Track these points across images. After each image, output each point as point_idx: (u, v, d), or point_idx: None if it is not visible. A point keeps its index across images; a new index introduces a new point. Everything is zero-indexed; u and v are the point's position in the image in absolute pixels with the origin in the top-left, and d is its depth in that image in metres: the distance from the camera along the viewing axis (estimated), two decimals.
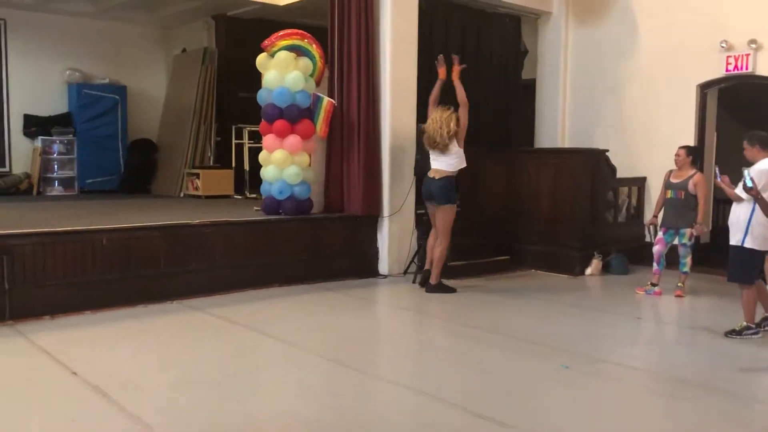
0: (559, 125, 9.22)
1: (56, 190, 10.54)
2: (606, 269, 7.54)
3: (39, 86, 10.59)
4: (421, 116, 7.45)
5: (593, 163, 7.73)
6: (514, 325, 5.31)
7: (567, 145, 9.12)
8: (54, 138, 10.54)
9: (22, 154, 10.54)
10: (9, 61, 10.38)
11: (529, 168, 7.94)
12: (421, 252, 7.00)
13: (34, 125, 10.54)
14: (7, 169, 10.43)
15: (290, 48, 6.86)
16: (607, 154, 7.94)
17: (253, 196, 9.09)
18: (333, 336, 4.99)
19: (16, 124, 10.49)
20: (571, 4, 9.12)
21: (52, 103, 10.72)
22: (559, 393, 3.83)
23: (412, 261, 7.15)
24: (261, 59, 6.94)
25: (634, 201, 8.32)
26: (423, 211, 7.11)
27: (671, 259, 6.51)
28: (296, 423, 3.37)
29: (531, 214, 7.86)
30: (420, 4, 7.46)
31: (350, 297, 6.26)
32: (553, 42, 9.23)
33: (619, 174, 8.12)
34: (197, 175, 9.81)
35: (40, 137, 10.46)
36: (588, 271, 7.46)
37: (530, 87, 9.49)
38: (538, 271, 7.65)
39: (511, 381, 4.01)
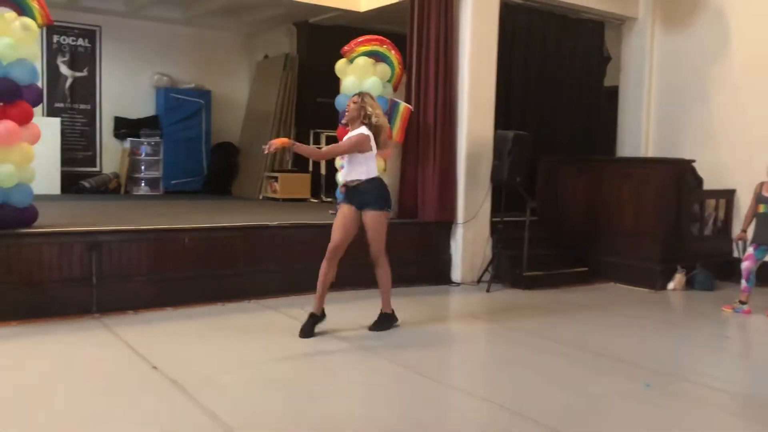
0: (642, 134, 8.93)
1: (143, 189, 10.97)
2: (690, 284, 7.23)
3: (129, 90, 11.07)
4: (499, 123, 7.38)
5: (678, 174, 7.44)
6: (593, 339, 5.16)
7: (651, 154, 8.82)
8: (142, 140, 10.98)
9: (112, 154, 11.04)
10: (102, 66, 10.89)
11: (610, 177, 7.71)
12: (494, 261, 6.92)
13: (124, 127, 11.01)
14: (97, 168, 10.94)
15: (369, 54, 6.92)
16: (693, 164, 7.63)
17: (329, 199, 9.20)
18: (406, 342, 4.97)
19: (107, 126, 11.00)
20: (657, 9, 8.83)
21: (141, 106, 11.18)
22: (640, 412, 3.68)
23: (486, 270, 7.06)
24: (340, 65, 7.02)
25: (721, 214, 7.96)
26: (498, 219, 7.02)
27: (761, 276, 6.18)
28: (369, 427, 3.37)
29: (611, 225, 7.63)
30: (500, 11, 7.39)
31: (422, 304, 6.23)
32: (637, 48, 8.95)
33: (706, 186, 7.79)
34: (276, 179, 10.01)
35: (129, 139, 10.93)
36: (670, 285, 7.18)
37: (613, 94, 9.24)
38: (617, 284, 7.41)
39: (589, 397, 3.88)
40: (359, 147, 4.80)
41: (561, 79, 8.69)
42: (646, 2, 8.84)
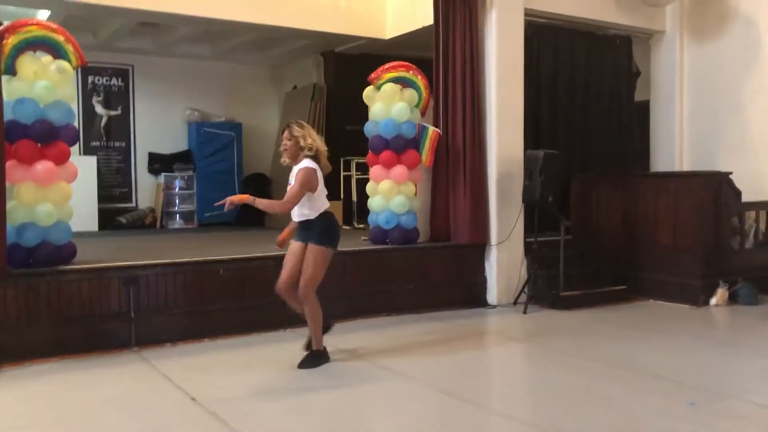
0: (676, 148, 8.80)
1: (177, 223, 11.13)
2: (733, 299, 7.04)
3: (162, 126, 11.30)
4: (529, 142, 7.35)
5: (716, 187, 7.28)
6: (634, 358, 5.03)
7: (685, 168, 8.67)
8: (175, 174, 11.17)
9: (147, 190, 11.25)
10: (136, 104, 11.14)
11: (646, 193, 7.58)
12: (530, 282, 6.85)
13: (158, 162, 11.22)
14: (133, 204, 11.14)
15: (396, 80, 6.96)
16: (730, 176, 7.47)
17: (361, 226, 9.21)
18: (443, 367, 4.92)
19: (141, 162, 11.22)
20: (685, 21, 8.74)
21: (174, 141, 11.39)
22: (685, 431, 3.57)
23: (522, 291, 6.97)
24: (368, 92, 7.08)
25: (762, 226, 7.76)
26: (532, 240, 6.95)
27: None
28: None
29: (649, 240, 7.49)
30: (526, 31, 7.40)
31: (459, 327, 6.17)
32: (667, 61, 8.86)
33: (745, 198, 7.61)
34: None
35: (162, 174, 11.12)
36: (713, 301, 6.99)
37: (644, 109, 9.14)
38: (657, 300, 7.24)
39: (632, 417, 3.78)
40: (309, 186, 4.56)
41: (590, 95, 8.62)
42: (673, 15, 8.76)
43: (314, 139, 4.68)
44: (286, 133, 4.70)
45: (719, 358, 5.13)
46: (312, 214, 4.65)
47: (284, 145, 4.69)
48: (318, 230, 4.66)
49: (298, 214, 4.70)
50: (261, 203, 4.57)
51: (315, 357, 4.80)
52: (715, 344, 5.62)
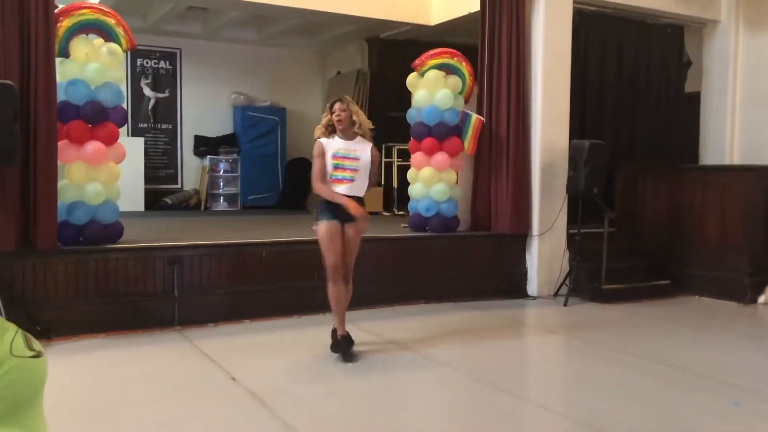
0: (727, 141, 8.55)
1: (221, 205, 11.30)
2: None
3: (208, 109, 11.46)
4: (574, 132, 7.23)
5: (767, 181, 7.08)
6: (678, 354, 4.94)
7: (736, 161, 8.43)
8: (220, 157, 11.33)
9: (192, 172, 11.44)
10: (183, 87, 11.32)
11: (693, 186, 7.41)
12: (572, 274, 6.76)
13: (203, 145, 11.40)
14: (179, 186, 11.35)
15: (440, 67, 6.92)
16: None
17: (401, 213, 9.22)
18: (480, 356, 4.91)
19: (187, 145, 11.41)
20: (741, 10, 8.46)
21: (219, 124, 11.55)
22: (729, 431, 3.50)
23: (563, 283, 6.89)
24: (411, 79, 7.05)
25: None
26: (575, 231, 6.86)
27: None
28: None
29: (695, 235, 7.32)
30: (574, 19, 7.26)
31: (498, 317, 6.14)
32: (720, 52, 8.60)
33: None
34: None
35: (208, 156, 11.29)
36: (761, 299, 6.81)
37: (694, 100, 8.90)
38: (702, 297, 7.09)
39: (674, 415, 3.72)
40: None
41: (639, 85, 8.43)
42: (728, 4, 8.49)
43: (364, 119, 4.64)
44: (339, 104, 4.57)
45: (764, 357, 5.00)
46: (363, 193, 4.63)
47: (338, 115, 4.53)
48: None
49: (359, 186, 4.58)
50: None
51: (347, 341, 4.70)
52: (762, 343, 5.48)
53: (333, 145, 4.58)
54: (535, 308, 6.66)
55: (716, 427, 3.55)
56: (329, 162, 4.55)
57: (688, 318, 6.25)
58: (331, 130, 4.61)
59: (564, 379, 4.72)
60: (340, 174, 4.54)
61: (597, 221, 6.93)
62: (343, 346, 4.62)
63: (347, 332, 4.68)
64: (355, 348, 4.70)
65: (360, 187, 4.61)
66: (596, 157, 6.68)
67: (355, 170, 4.55)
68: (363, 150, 4.61)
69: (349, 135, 4.59)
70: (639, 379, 4.36)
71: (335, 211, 4.54)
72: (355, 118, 4.56)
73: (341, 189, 4.53)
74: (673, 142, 8.70)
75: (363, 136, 4.63)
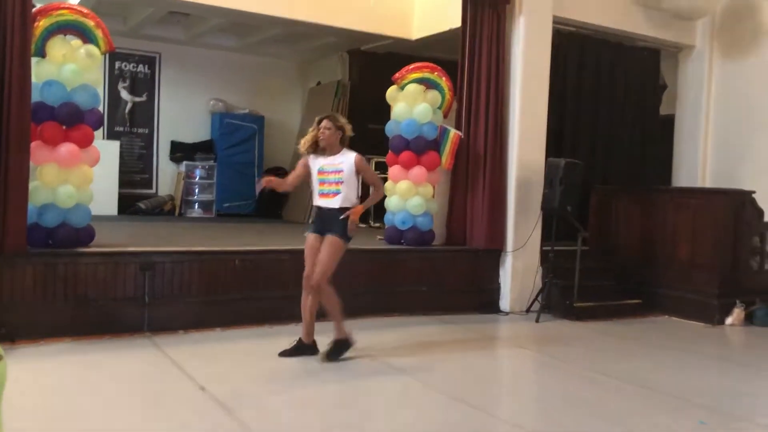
0: (699, 164, 8.71)
1: (196, 212, 11.20)
2: (749, 320, 6.95)
3: (185, 115, 11.37)
4: (551, 150, 7.31)
5: (737, 205, 7.20)
6: (645, 373, 4.98)
7: (708, 185, 8.58)
8: (197, 163, 11.25)
9: (168, 177, 11.33)
10: (161, 92, 11.23)
11: (666, 208, 7.52)
12: (544, 291, 6.81)
13: (180, 151, 11.30)
14: (154, 191, 11.24)
15: (420, 81, 6.96)
16: (753, 195, 7.37)
17: (377, 225, 9.22)
18: (451, 370, 4.91)
19: (163, 150, 11.30)
20: (716, 36, 8.65)
21: (197, 130, 11.47)
22: None
23: (536, 299, 6.94)
24: (391, 92, 7.08)
25: None
26: (549, 248, 6.91)
27: None
28: None
29: (666, 256, 7.42)
30: (553, 38, 7.36)
31: (469, 332, 6.15)
32: (695, 76, 8.78)
33: None
34: None
35: (184, 162, 11.20)
36: (728, 320, 6.91)
37: (668, 123, 9.05)
38: (672, 317, 7.17)
39: None
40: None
41: (615, 107, 8.57)
42: (703, 30, 8.67)
43: (347, 128, 4.84)
44: (326, 122, 4.76)
45: (732, 379, 5.07)
46: (354, 202, 4.75)
47: (322, 133, 4.74)
48: (344, 223, 4.68)
49: (345, 198, 4.70)
50: (369, 204, 5.00)
51: (339, 346, 4.83)
52: (728, 365, 5.56)
53: (318, 162, 4.79)
54: (507, 324, 6.69)
55: None
56: (315, 179, 4.77)
57: (657, 338, 6.31)
58: (316, 147, 4.79)
59: (531, 394, 4.73)
60: (326, 188, 4.75)
61: (571, 239, 6.99)
62: (290, 350, 4.85)
63: (305, 340, 4.90)
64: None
65: (349, 198, 4.73)
66: (571, 176, 6.75)
67: (339, 182, 4.71)
68: (347, 161, 4.74)
69: (334, 150, 4.76)
70: (608, 398, 4.39)
71: (315, 223, 4.83)
72: (347, 133, 4.80)
73: (330, 202, 4.72)
74: (647, 164, 8.84)
75: (349, 146, 4.80)
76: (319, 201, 4.79)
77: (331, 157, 4.76)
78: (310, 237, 4.82)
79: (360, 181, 4.90)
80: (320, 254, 4.72)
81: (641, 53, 8.74)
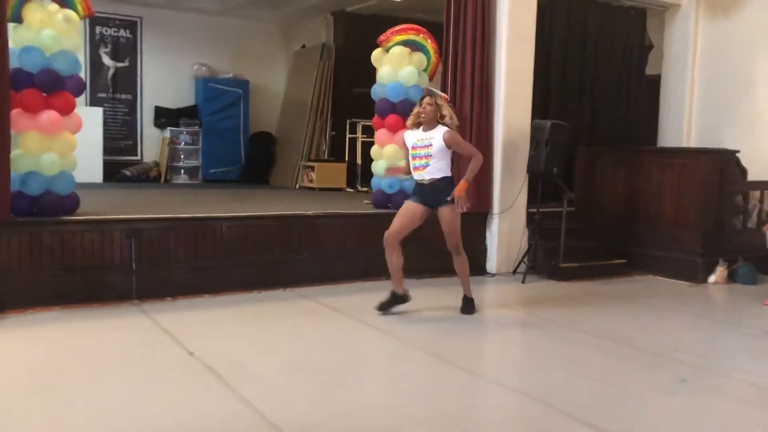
0: (684, 124, 8.73)
1: (182, 178, 11.15)
2: (732, 278, 7.06)
3: (169, 80, 11.25)
4: (537, 112, 7.29)
5: (721, 165, 7.25)
6: (629, 332, 5.08)
7: (693, 145, 8.62)
8: (181, 129, 11.16)
9: (153, 143, 11.25)
10: (143, 57, 11.08)
11: (651, 168, 7.56)
12: (530, 253, 6.87)
13: (164, 117, 11.20)
14: (138, 157, 11.16)
15: (405, 43, 6.89)
16: (737, 155, 7.43)
17: (364, 189, 9.22)
18: (437, 332, 4.97)
19: (147, 116, 11.20)
20: None
21: (181, 96, 11.36)
22: (675, 407, 3.62)
23: (522, 261, 7.00)
24: (376, 54, 7.01)
25: (766, 206, 7.74)
26: (534, 210, 6.95)
27: None
28: (396, 416, 3.38)
29: (651, 216, 7.49)
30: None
31: (456, 294, 6.19)
32: (681, 36, 8.74)
33: (751, 177, 7.58)
34: (312, 168, 10.07)
35: (168, 128, 11.11)
36: (711, 279, 7.02)
37: (654, 83, 9.05)
38: (656, 276, 7.27)
39: (623, 391, 3.83)
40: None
41: (601, 67, 8.54)
42: None
43: (452, 117, 5.09)
44: (428, 99, 5.03)
45: (713, 336, 5.18)
46: (442, 174, 5.02)
47: (424, 108, 5.01)
48: (448, 193, 5.00)
49: (435, 169, 5.00)
50: (470, 176, 5.07)
51: (471, 302, 5.42)
52: (710, 322, 5.66)
53: (413, 137, 5.12)
54: (493, 285, 6.76)
55: (663, 401, 3.67)
56: (409, 153, 5.14)
57: (641, 297, 6.41)
58: (418, 122, 5.10)
59: (518, 355, 4.81)
60: (417, 162, 5.09)
61: (556, 201, 7.03)
62: (386, 302, 5.22)
63: (397, 290, 5.24)
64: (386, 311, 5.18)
65: (441, 169, 5.02)
66: (557, 137, 6.76)
67: (428, 156, 5.01)
68: (437, 136, 4.99)
69: (431, 126, 5.04)
70: (592, 356, 4.48)
71: (419, 194, 5.14)
72: (445, 112, 5.03)
73: (421, 175, 5.07)
74: (633, 124, 8.86)
75: (447, 125, 5.02)
76: (414, 174, 5.13)
77: (425, 132, 5.04)
78: (412, 204, 5.14)
79: (451, 153, 5.09)
80: (445, 228, 5.12)
81: (628, 13, 8.69)
